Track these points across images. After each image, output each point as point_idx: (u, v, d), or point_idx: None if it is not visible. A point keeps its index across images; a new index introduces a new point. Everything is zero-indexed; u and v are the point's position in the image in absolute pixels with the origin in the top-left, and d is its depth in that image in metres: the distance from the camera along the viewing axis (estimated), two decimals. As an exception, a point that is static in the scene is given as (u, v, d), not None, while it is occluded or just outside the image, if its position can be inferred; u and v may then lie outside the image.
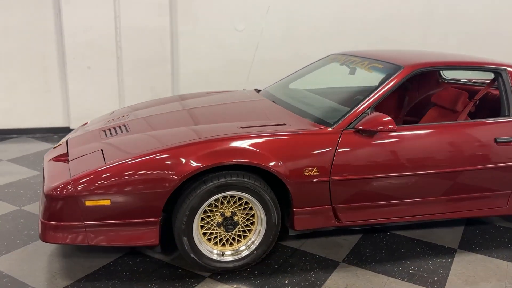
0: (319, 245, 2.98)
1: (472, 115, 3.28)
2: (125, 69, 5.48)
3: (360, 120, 2.65)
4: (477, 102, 3.15)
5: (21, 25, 5.22)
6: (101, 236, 2.41)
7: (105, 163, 2.40)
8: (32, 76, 5.42)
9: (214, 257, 2.58)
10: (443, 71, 3.99)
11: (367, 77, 3.08)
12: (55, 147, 3.04)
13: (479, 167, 2.84)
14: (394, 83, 2.80)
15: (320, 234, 3.10)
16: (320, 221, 2.72)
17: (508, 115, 2.97)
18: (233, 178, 2.45)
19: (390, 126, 2.58)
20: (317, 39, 5.75)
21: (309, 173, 2.55)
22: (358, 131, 2.65)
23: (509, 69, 3.06)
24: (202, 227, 2.55)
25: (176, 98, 3.74)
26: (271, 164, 2.46)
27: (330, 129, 2.66)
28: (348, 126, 2.66)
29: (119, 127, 2.97)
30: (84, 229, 2.39)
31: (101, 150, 2.59)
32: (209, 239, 2.59)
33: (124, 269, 2.63)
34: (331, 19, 5.72)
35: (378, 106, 3.97)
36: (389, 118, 2.59)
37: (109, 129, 2.96)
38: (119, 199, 2.35)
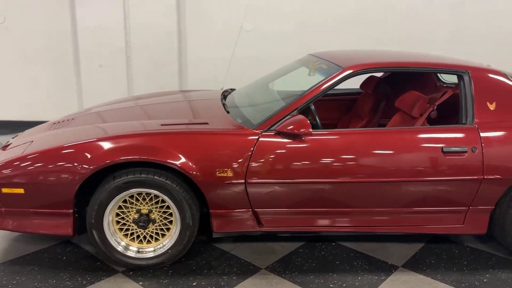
0: (252, 249, 2.89)
1: (436, 121, 2.96)
2: (134, 68, 5.70)
3: (282, 123, 2.52)
4: (435, 107, 2.85)
5: (43, 26, 5.64)
6: (19, 222, 2.54)
7: (21, 154, 2.53)
8: (52, 73, 5.84)
9: (129, 253, 2.60)
10: (441, 74, 3.68)
11: (314, 78, 2.92)
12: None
13: (420, 179, 2.57)
14: (327, 85, 2.63)
15: (257, 238, 3.00)
16: (240, 225, 2.64)
17: (465, 123, 2.66)
18: (142, 175, 2.46)
19: (302, 130, 2.44)
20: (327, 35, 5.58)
21: (222, 174, 2.48)
22: (278, 134, 2.53)
23: (473, 72, 2.73)
24: (120, 222, 2.59)
25: (144, 95, 3.83)
26: (178, 162, 2.43)
27: (249, 130, 2.56)
28: (269, 128, 2.55)
29: (68, 120, 3.11)
30: (4, 215, 2.54)
31: (31, 141, 2.73)
32: (126, 235, 2.62)
33: (49, 256, 2.75)
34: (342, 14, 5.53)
35: (355, 109, 3.79)
36: (306, 121, 2.44)
37: (58, 122, 3.11)
38: (32, 189, 2.46)
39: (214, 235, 2.72)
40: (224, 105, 3.09)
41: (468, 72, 2.73)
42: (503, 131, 2.61)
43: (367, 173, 2.55)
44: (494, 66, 2.97)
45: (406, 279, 2.61)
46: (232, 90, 3.70)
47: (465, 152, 2.56)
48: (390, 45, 5.43)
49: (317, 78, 2.78)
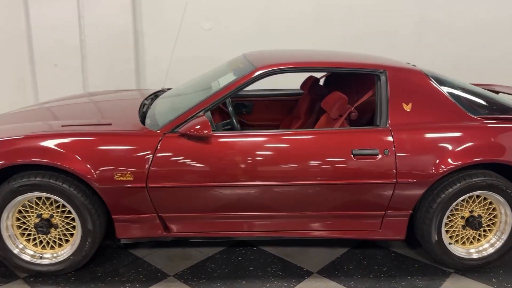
0: (168, 255, 2.80)
1: (357, 123, 2.86)
2: (89, 67, 5.61)
3: (185, 125, 2.43)
4: (352, 108, 2.76)
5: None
6: None
7: None
8: (7, 73, 5.72)
9: (28, 258, 2.51)
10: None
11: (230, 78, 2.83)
12: None
13: (327, 182, 2.47)
14: (238, 85, 2.53)
15: (176, 244, 2.91)
16: (145, 230, 2.54)
17: (379, 125, 2.56)
18: (37, 179, 2.37)
19: (204, 132, 2.34)
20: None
21: (121, 178, 2.38)
22: (182, 136, 2.43)
23: (390, 72, 2.63)
24: (22, 226, 2.51)
25: (79, 95, 3.74)
26: (74, 165, 2.33)
27: (152, 131, 2.46)
28: (173, 130, 2.45)
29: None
30: None
31: None
32: (29, 240, 2.53)
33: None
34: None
35: (295, 109, 3.69)
36: (207, 123, 2.34)
37: None
38: None
39: (123, 241, 2.64)
40: (144, 105, 3.00)
41: (385, 72, 2.63)
42: (418, 133, 2.52)
43: (271, 177, 2.45)
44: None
45: (316, 286, 2.52)
46: (169, 89, 3.61)
47: (376, 155, 2.47)
48: (355, 41, 5.36)
49: (231, 77, 2.69)
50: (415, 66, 2.88)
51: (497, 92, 3.53)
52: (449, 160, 2.47)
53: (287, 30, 5.54)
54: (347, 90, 2.97)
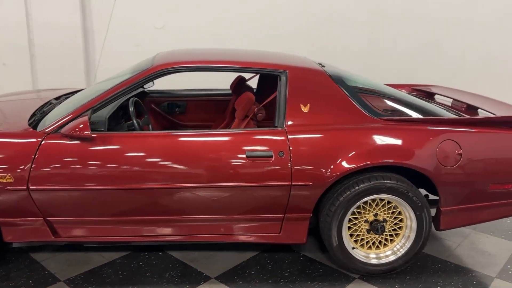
0: (68, 260, 2.71)
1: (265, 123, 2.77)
2: (39, 66, 5.53)
3: (68, 125, 2.34)
4: (256, 109, 2.68)
5: None
6: None
7: None
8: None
9: None
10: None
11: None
12: None
13: (222, 185, 2.39)
14: (130, 83, 2.45)
15: (79, 248, 2.83)
16: (32, 234, 2.45)
17: (277, 126, 2.48)
18: None
19: (86, 132, 2.25)
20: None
21: (1, 180, 2.30)
22: (65, 137, 2.34)
23: (291, 72, 2.54)
24: None
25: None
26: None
27: (34, 132, 2.37)
28: (57, 130, 2.36)
29: None
30: None
31: None
32: None
33: None
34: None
35: (226, 110, 3.61)
36: (86, 123, 2.25)
37: None
38: None
39: (14, 244, 2.55)
40: (47, 104, 2.92)
41: (286, 72, 2.55)
42: (313, 135, 2.44)
43: (159, 179, 2.36)
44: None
45: (209, 292, 2.45)
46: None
47: (271, 157, 2.39)
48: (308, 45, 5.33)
49: (127, 76, 2.61)
50: (323, 66, 2.80)
51: (433, 94, 3.47)
52: (345, 162, 2.39)
53: (240, 31, 5.48)
54: (271, 92, 2.90)
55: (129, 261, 2.73)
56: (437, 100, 3.37)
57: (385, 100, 2.76)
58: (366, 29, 5.38)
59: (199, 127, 3.62)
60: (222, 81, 3.73)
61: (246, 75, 3.45)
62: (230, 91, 3.67)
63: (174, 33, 5.57)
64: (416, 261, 2.77)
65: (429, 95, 3.47)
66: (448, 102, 3.23)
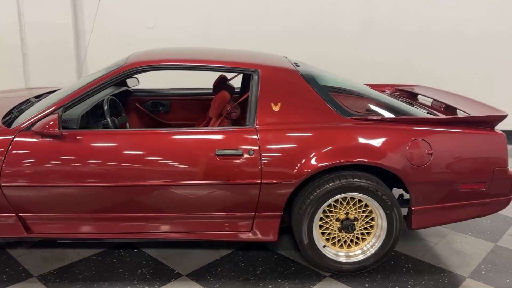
0: (43, 256, 2.75)
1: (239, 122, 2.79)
2: (31, 66, 5.58)
3: (39, 122, 2.37)
4: (229, 108, 2.70)
5: None
6: None
7: None
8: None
9: None
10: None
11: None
12: None
13: (191, 183, 2.41)
14: (102, 81, 2.48)
15: (56, 245, 2.86)
16: (5, 230, 2.49)
17: (247, 125, 2.50)
18: None
19: (55, 130, 2.29)
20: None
21: (-26, 177, 2.35)
22: (36, 134, 2.37)
23: (263, 71, 2.56)
24: None
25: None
26: None
27: (6, 129, 2.41)
28: (28, 128, 2.39)
29: None
30: None
31: None
32: None
33: None
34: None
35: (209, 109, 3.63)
36: (55, 121, 2.28)
37: None
38: None
39: (-11, 240, 2.60)
40: (26, 102, 2.95)
41: (258, 71, 2.57)
42: (283, 134, 2.45)
43: (130, 177, 2.38)
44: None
45: (178, 289, 2.47)
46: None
47: (240, 155, 2.41)
48: (296, 42, 5.36)
49: (99, 74, 2.63)
50: (298, 65, 2.81)
51: (416, 94, 3.47)
52: (313, 161, 2.41)
53: (231, 30, 5.51)
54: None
55: (104, 258, 2.75)
56: (420, 100, 3.37)
57: (358, 100, 2.77)
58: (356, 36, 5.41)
59: (183, 126, 3.63)
60: (208, 81, 3.76)
61: (228, 75, 3.48)
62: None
63: (165, 33, 5.62)
64: (389, 260, 2.78)
65: (412, 95, 3.47)
66: (429, 102, 3.24)
